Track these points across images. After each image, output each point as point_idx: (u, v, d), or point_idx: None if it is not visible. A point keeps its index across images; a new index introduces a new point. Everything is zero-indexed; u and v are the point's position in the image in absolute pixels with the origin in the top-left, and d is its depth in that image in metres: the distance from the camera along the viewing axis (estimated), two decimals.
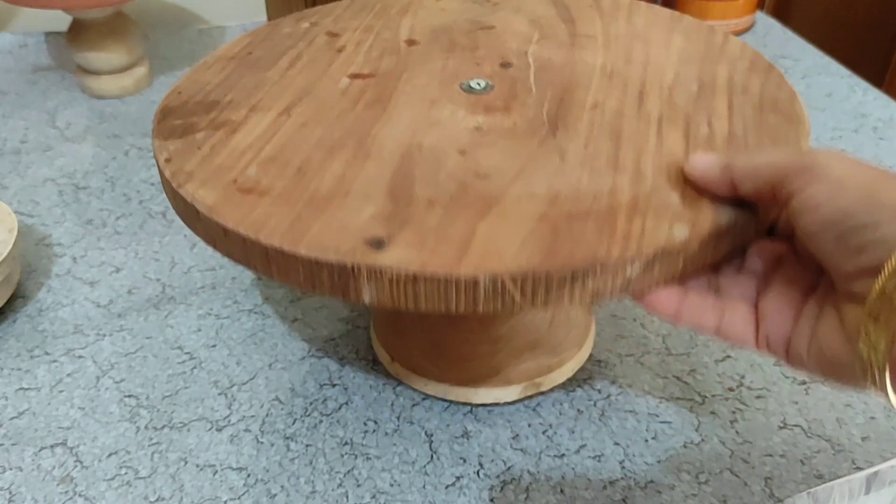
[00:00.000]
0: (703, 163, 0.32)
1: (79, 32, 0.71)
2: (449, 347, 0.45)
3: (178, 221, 0.59)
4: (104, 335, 0.49)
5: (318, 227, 0.30)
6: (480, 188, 0.33)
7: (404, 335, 0.46)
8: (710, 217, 0.30)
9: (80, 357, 0.48)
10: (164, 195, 0.61)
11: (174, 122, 0.38)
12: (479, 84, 0.40)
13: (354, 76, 0.42)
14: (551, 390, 0.45)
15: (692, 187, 0.32)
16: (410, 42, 0.45)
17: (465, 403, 0.44)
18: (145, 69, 0.76)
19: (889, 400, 0.26)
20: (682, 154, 0.35)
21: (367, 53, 0.44)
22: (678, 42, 0.45)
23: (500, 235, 0.30)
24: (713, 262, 0.31)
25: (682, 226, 0.30)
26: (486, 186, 0.33)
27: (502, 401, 0.44)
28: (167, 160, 0.35)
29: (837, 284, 0.27)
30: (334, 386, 0.46)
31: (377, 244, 0.29)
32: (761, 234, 0.32)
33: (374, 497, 0.40)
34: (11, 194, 0.62)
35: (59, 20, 0.82)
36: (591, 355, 0.47)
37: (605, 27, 0.47)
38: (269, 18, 0.79)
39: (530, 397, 0.45)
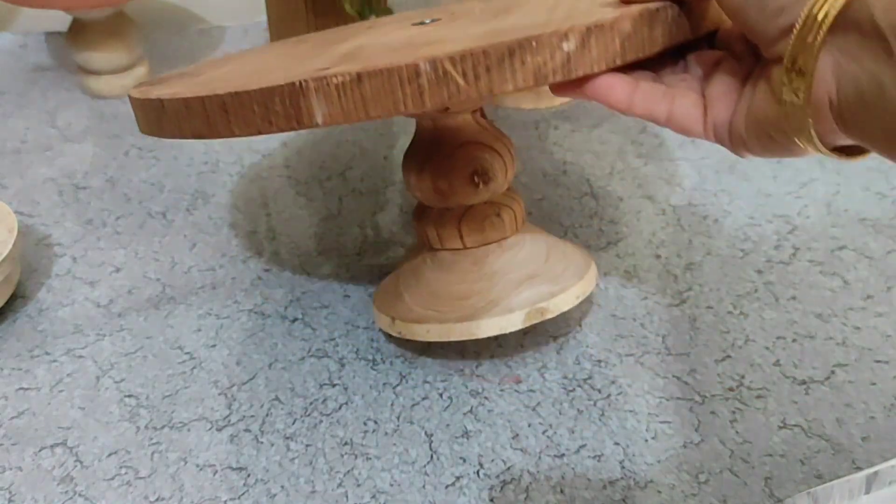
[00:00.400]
0: None
1: (79, 32, 0.71)
2: (446, 292, 0.45)
3: (179, 221, 0.59)
4: (104, 335, 0.49)
5: (270, 77, 0.33)
6: (426, 39, 0.35)
7: (402, 295, 0.46)
8: (639, 5, 0.32)
9: (80, 357, 0.48)
10: (164, 195, 0.62)
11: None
12: (428, 20, 0.43)
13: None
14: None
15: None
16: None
17: (470, 341, 0.44)
18: (145, 69, 0.76)
19: (818, 149, 0.28)
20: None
21: None
22: None
23: (439, 34, 0.32)
24: (652, 50, 0.32)
25: (611, 9, 0.32)
26: (431, 38, 0.35)
27: (507, 329, 0.43)
28: (137, 88, 0.39)
29: (765, 52, 0.29)
30: (334, 386, 0.46)
31: (323, 71, 0.31)
32: (698, 34, 0.34)
33: (374, 497, 0.40)
34: (11, 194, 0.62)
35: (59, 20, 0.82)
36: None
37: None
38: (269, 18, 0.79)
39: (534, 329, 0.44)
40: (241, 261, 0.55)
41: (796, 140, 0.29)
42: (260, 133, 0.33)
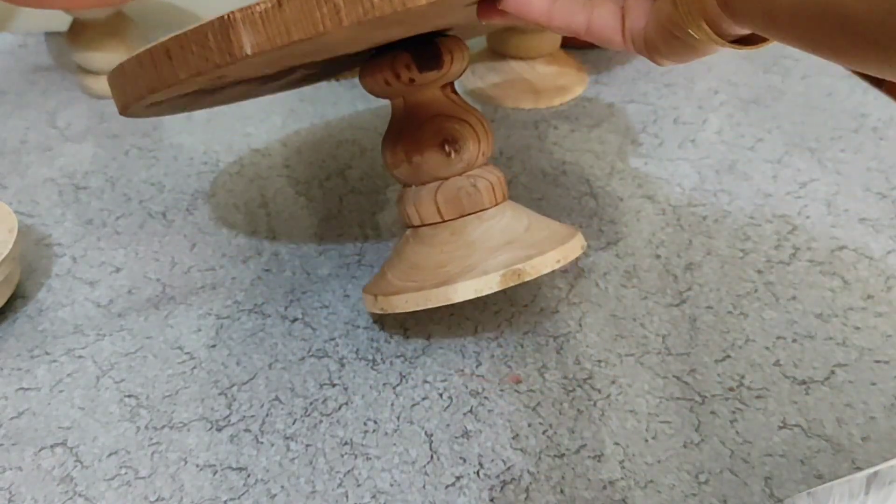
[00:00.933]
0: None
1: (79, 32, 0.71)
2: (425, 263, 0.45)
3: (178, 221, 0.59)
4: (104, 335, 0.49)
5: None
6: None
7: (385, 274, 0.47)
8: None
9: (80, 357, 0.48)
10: (164, 195, 0.62)
11: None
12: None
13: None
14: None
15: None
16: None
17: (447, 307, 0.44)
18: None
19: (713, 39, 0.30)
20: None
21: None
22: None
23: None
24: None
25: None
26: None
27: (483, 292, 0.42)
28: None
29: None
30: (334, 386, 0.46)
31: (250, 5, 0.33)
32: None
33: (374, 497, 0.40)
34: (11, 194, 0.62)
35: (59, 20, 0.82)
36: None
37: None
38: None
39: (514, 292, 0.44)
40: (241, 261, 0.55)
41: (691, 32, 0.30)
42: (200, 73, 0.34)
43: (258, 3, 0.33)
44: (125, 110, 0.42)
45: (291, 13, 0.32)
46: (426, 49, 0.45)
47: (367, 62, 0.47)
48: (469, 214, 0.46)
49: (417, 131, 0.46)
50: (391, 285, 0.45)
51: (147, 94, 0.38)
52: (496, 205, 0.47)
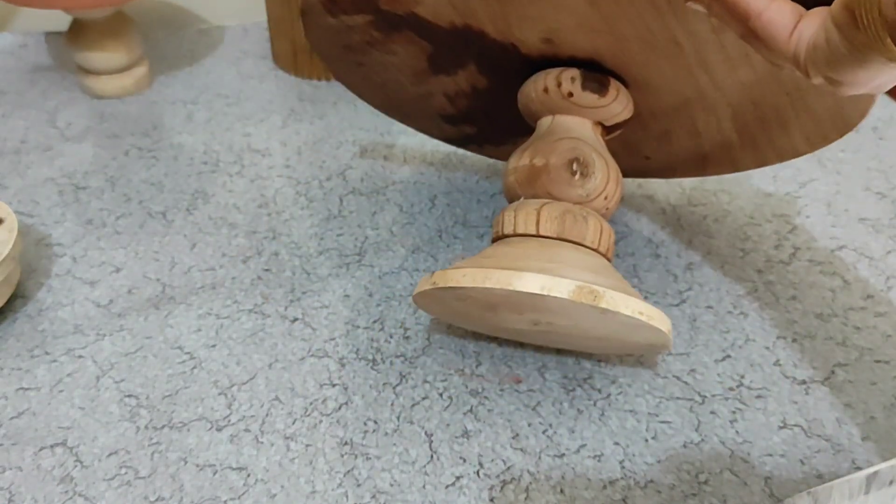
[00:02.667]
0: None
1: (79, 32, 0.71)
2: (500, 253, 0.41)
3: (178, 221, 0.59)
4: (104, 335, 0.49)
5: None
6: None
7: (453, 263, 0.44)
8: None
9: (80, 357, 0.48)
10: (164, 195, 0.62)
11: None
12: None
13: None
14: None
15: None
16: None
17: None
18: (145, 69, 0.76)
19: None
20: None
21: None
22: None
23: None
24: None
25: None
26: None
27: (552, 291, 0.36)
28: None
29: None
30: (334, 386, 0.46)
31: None
32: None
33: (374, 497, 0.40)
34: (11, 194, 0.62)
35: (59, 20, 0.82)
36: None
37: None
38: (269, 18, 0.79)
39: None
40: (241, 261, 0.55)
41: (870, 47, 0.27)
42: None
43: None
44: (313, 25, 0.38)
45: None
46: (597, 72, 0.43)
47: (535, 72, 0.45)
48: (566, 241, 0.41)
49: (551, 144, 0.43)
50: (454, 266, 0.41)
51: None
52: (597, 250, 0.42)
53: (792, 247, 0.56)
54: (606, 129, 0.45)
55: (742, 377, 0.46)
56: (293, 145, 0.68)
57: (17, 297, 0.52)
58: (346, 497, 0.40)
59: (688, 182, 0.63)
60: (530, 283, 0.36)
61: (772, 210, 0.60)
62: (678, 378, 0.46)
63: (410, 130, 0.70)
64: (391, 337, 0.49)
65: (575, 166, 0.42)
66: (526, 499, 0.40)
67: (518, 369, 0.47)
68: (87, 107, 0.74)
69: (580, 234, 0.41)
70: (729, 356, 0.48)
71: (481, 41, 0.44)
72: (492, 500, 0.40)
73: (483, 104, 0.52)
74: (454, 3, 0.40)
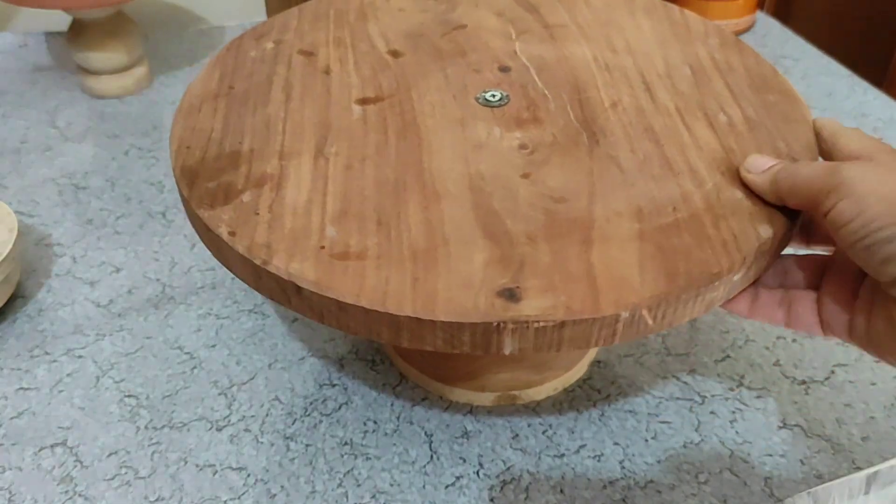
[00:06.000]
0: (756, 171, 0.34)
1: (79, 32, 0.71)
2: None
3: (178, 221, 0.59)
4: (104, 335, 0.49)
5: (441, 285, 0.29)
6: (565, 213, 0.33)
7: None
8: (780, 212, 0.33)
9: (80, 357, 0.48)
10: (164, 195, 0.62)
11: (207, 184, 0.35)
12: (493, 96, 0.40)
13: (362, 102, 0.40)
14: (532, 404, 0.45)
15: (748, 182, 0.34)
16: (393, 53, 0.44)
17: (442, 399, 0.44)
18: (145, 69, 0.76)
19: None
20: (718, 146, 0.37)
21: (358, 72, 0.42)
22: (645, 23, 0.47)
23: (614, 264, 0.30)
24: (780, 255, 0.33)
25: (766, 225, 0.32)
26: (569, 210, 0.33)
27: (475, 403, 0.44)
28: (231, 234, 0.32)
29: (881, 286, 0.30)
30: (334, 386, 0.46)
31: (510, 296, 0.29)
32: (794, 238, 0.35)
33: (373, 497, 0.40)
34: (11, 194, 0.62)
35: (59, 20, 0.82)
36: (584, 377, 0.47)
37: (570, 14, 0.48)
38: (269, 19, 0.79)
39: (506, 407, 0.44)
40: None
41: None
42: (436, 349, 0.30)
43: (535, 317, 0.28)
44: None
45: (571, 333, 0.29)
46: None
47: None
48: None
49: None
50: (414, 356, 0.46)
51: (340, 329, 0.32)
52: None
53: None
54: None
55: (742, 377, 0.46)
56: None
57: (17, 297, 0.52)
58: (346, 497, 0.40)
59: None
60: (460, 397, 0.43)
61: None
62: (678, 378, 0.46)
63: None
64: None
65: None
66: (526, 499, 0.40)
67: None
68: (87, 107, 0.74)
69: None
70: (729, 356, 0.48)
71: None
72: (492, 500, 0.40)
73: None
74: None
